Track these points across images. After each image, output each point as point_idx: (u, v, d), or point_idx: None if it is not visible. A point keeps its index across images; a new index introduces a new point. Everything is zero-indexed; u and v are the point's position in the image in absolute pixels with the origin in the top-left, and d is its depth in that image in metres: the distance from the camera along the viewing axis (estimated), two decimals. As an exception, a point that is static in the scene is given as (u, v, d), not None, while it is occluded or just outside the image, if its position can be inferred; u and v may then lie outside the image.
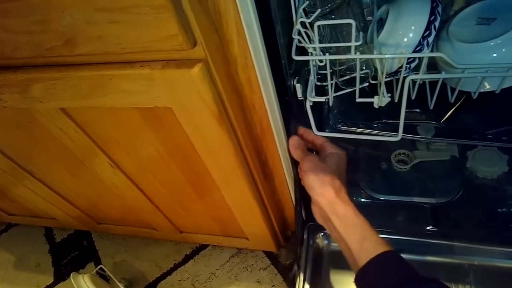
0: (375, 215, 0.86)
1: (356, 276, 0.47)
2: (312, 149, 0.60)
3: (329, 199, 0.51)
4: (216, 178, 0.64)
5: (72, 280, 0.91)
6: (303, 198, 0.76)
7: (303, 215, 0.82)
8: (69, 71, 0.48)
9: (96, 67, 0.47)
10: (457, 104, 0.82)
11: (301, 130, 0.60)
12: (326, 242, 0.83)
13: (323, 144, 0.58)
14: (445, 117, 0.88)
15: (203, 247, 1.06)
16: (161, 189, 0.74)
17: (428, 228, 0.78)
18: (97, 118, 0.57)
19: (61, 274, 1.13)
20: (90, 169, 0.71)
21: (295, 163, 0.60)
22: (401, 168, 0.86)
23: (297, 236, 0.75)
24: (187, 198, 0.76)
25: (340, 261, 0.81)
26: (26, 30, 0.43)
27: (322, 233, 0.82)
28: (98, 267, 1.00)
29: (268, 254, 0.99)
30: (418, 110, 0.89)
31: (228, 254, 1.02)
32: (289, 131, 0.59)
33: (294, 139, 0.58)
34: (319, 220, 0.55)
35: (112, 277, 0.97)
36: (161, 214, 0.85)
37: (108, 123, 0.57)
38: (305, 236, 0.83)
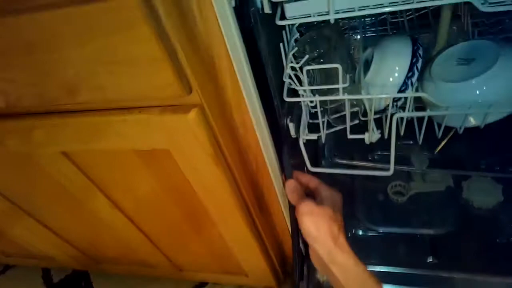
0: (374, 247, 0.86)
1: None
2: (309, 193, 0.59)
3: (327, 248, 0.50)
4: (213, 215, 0.64)
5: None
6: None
7: (303, 250, 0.82)
8: (70, 117, 0.50)
9: (96, 113, 0.49)
10: (448, 136, 0.84)
11: (296, 173, 0.59)
12: (326, 277, 0.82)
13: (317, 187, 0.56)
14: (437, 149, 0.90)
15: (202, 284, 1.04)
16: (159, 227, 0.75)
17: (428, 260, 0.78)
18: (97, 161, 0.59)
19: (58, 317, 1.10)
20: (89, 209, 0.72)
21: (292, 206, 0.59)
22: (398, 200, 0.87)
23: (294, 271, 0.74)
24: (185, 235, 0.76)
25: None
26: (30, 82, 0.46)
27: (322, 268, 0.81)
28: (96, 308, 0.97)
29: (269, 290, 0.98)
30: (411, 142, 0.91)
31: (228, 292, 1.00)
32: (284, 168, 0.59)
33: (290, 183, 0.57)
34: (317, 266, 0.55)
35: (110, 319, 0.95)
36: (159, 252, 0.84)
37: (108, 165, 0.59)
38: (305, 272, 0.82)
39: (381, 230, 0.85)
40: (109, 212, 0.70)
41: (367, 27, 0.74)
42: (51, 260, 1.05)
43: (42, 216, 0.82)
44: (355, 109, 0.60)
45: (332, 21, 0.42)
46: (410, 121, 0.57)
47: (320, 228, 0.50)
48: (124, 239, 0.81)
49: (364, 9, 0.40)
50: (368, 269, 0.50)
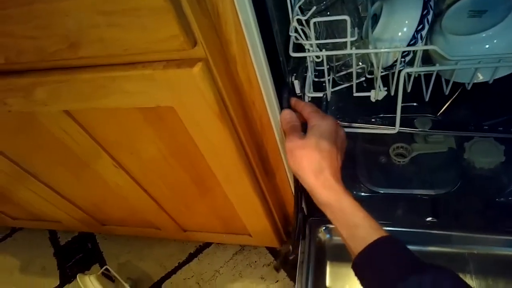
0: (375, 208, 0.87)
1: (353, 263, 0.44)
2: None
3: (309, 184, 0.47)
4: (218, 175, 0.65)
5: (79, 281, 0.92)
6: (304, 191, 0.77)
7: (305, 209, 0.84)
8: (73, 73, 0.49)
9: (99, 69, 0.48)
10: (453, 97, 0.83)
11: (293, 101, 0.55)
12: (328, 236, 0.84)
13: (308, 114, 0.51)
14: (441, 110, 0.89)
15: (206, 245, 1.07)
16: (164, 188, 0.75)
17: (428, 219, 0.79)
18: (100, 119, 0.58)
19: (66, 277, 1.14)
20: (94, 170, 0.72)
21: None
22: (399, 161, 0.88)
23: (293, 232, 0.76)
24: (190, 196, 0.77)
25: (342, 255, 0.82)
26: (29, 35, 0.44)
27: (324, 227, 0.83)
28: (104, 267, 1.01)
29: (271, 250, 1.01)
30: (415, 104, 0.90)
31: (231, 252, 1.03)
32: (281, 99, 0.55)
33: (285, 113, 0.53)
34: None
35: (118, 277, 0.99)
36: (164, 213, 0.86)
37: (111, 124, 0.59)
38: (307, 231, 0.84)
39: (382, 191, 0.86)
40: (114, 173, 0.71)
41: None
42: (58, 222, 1.07)
43: (47, 178, 0.82)
44: (361, 67, 0.59)
45: (342, -32, 0.40)
46: (416, 80, 0.56)
47: (300, 164, 0.47)
48: (129, 200, 0.82)
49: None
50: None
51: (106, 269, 1.02)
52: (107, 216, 0.99)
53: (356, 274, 0.44)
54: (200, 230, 0.95)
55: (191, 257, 1.06)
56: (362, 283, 0.44)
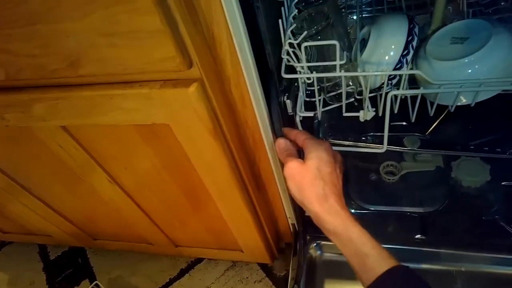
0: (366, 225, 0.89)
1: None
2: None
3: (314, 212, 0.46)
4: (211, 190, 0.66)
5: (68, 297, 0.91)
6: (296, 208, 0.78)
7: (296, 226, 0.85)
8: (71, 91, 0.50)
9: (97, 87, 0.49)
10: (441, 117, 0.86)
11: (285, 130, 0.56)
12: (319, 252, 0.85)
13: (303, 142, 0.51)
14: (429, 130, 0.92)
15: (198, 261, 1.07)
16: (157, 203, 0.76)
17: (417, 236, 0.81)
18: (96, 135, 0.60)
19: (55, 292, 1.12)
20: (88, 184, 0.73)
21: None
22: (389, 179, 0.90)
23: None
24: (182, 211, 0.78)
25: (333, 271, 0.83)
26: (31, 53, 0.46)
27: (315, 244, 0.84)
28: (94, 283, 1.00)
29: (263, 266, 1.01)
30: (404, 123, 0.93)
31: (223, 268, 1.03)
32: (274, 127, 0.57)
33: (280, 142, 0.54)
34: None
35: (107, 293, 0.98)
36: (157, 228, 0.86)
37: (107, 139, 0.60)
38: (298, 247, 0.85)
39: (372, 208, 0.87)
40: (107, 188, 0.72)
41: (364, 6, 0.74)
42: (48, 237, 1.06)
43: (40, 191, 0.83)
44: (351, 88, 0.61)
45: (331, -3, 0.42)
46: (403, 101, 0.59)
47: (303, 191, 0.46)
48: (122, 215, 0.82)
49: (362, -15, 0.40)
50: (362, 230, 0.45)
51: (96, 285, 1.01)
52: (99, 231, 0.99)
53: None
54: (192, 245, 0.95)
55: (182, 273, 1.06)
56: None
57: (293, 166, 0.48)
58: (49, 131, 0.60)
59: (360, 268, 0.43)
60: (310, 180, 0.46)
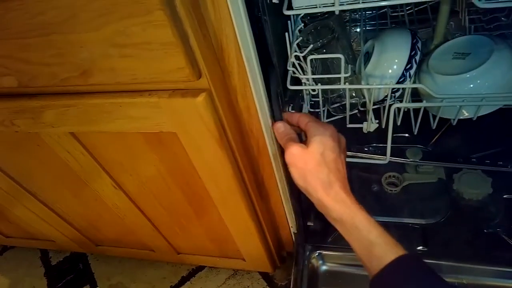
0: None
1: (370, 283, 0.42)
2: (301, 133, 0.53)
3: (319, 199, 0.44)
4: (215, 198, 0.67)
5: (69, 302, 0.91)
6: (298, 217, 0.79)
7: (298, 235, 0.85)
8: (82, 98, 0.52)
9: (107, 95, 0.51)
10: (443, 129, 0.87)
11: (285, 114, 0.53)
12: (320, 262, 0.85)
13: (307, 125, 0.48)
14: (431, 142, 0.93)
15: (199, 269, 1.07)
16: (161, 210, 0.77)
17: (418, 248, 0.81)
18: (104, 142, 0.61)
19: (56, 297, 1.12)
20: (93, 190, 0.74)
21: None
22: (391, 190, 0.90)
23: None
24: (186, 218, 0.78)
25: (335, 281, 0.83)
26: (44, 62, 0.47)
27: (317, 253, 0.85)
28: (95, 289, 1.00)
29: (264, 275, 1.01)
30: (406, 134, 0.94)
31: (224, 276, 1.03)
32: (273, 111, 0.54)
33: (278, 126, 0.51)
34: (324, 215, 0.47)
35: (108, 299, 0.98)
36: (159, 235, 0.87)
37: (114, 146, 0.61)
38: (300, 257, 0.85)
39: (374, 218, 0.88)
40: (112, 193, 0.72)
41: (367, 20, 0.76)
42: (51, 242, 1.07)
43: (45, 196, 0.83)
44: (355, 99, 0.62)
45: (337, 12, 0.44)
46: (406, 114, 0.60)
47: (307, 178, 0.44)
48: (125, 221, 0.83)
49: (368, 2, 0.42)
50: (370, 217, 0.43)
51: (97, 291, 1.01)
52: (101, 236, 0.99)
53: None
54: (194, 253, 0.95)
55: (183, 281, 1.06)
56: None
57: (295, 152, 0.46)
58: (57, 137, 0.61)
59: (366, 257, 0.42)
60: (314, 166, 0.44)
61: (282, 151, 0.52)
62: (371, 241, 0.41)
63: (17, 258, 1.26)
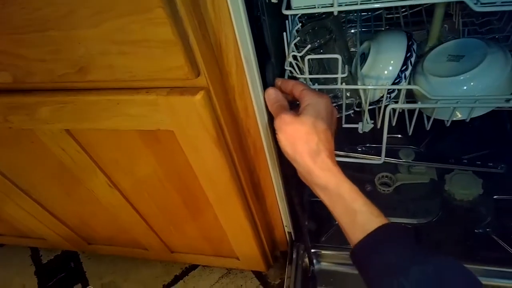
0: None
1: (352, 251, 0.42)
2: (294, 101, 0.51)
3: (306, 167, 0.44)
4: (210, 197, 0.67)
5: (61, 301, 0.90)
6: (293, 216, 0.79)
7: (292, 234, 0.86)
8: (78, 95, 0.51)
9: (104, 92, 0.50)
10: (435, 131, 0.88)
11: (279, 81, 0.52)
12: (314, 261, 0.86)
13: (301, 92, 0.47)
14: (424, 143, 0.94)
15: (192, 267, 1.07)
16: (155, 208, 0.77)
17: (411, 247, 0.82)
18: (100, 139, 0.60)
19: (47, 297, 1.11)
20: (87, 188, 0.73)
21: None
22: (384, 190, 0.91)
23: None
24: (180, 217, 0.78)
25: (328, 280, 0.84)
26: (41, 58, 0.47)
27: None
28: (87, 288, 0.99)
29: (257, 274, 1.01)
30: (399, 135, 0.95)
31: (217, 275, 1.03)
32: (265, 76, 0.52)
33: (270, 92, 0.49)
34: (307, 184, 0.47)
35: (100, 298, 0.97)
36: (153, 233, 0.86)
37: (110, 144, 0.61)
38: (293, 256, 0.85)
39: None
40: (107, 192, 0.72)
41: (362, 21, 0.77)
42: (42, 240, 1.06)
43: (38, 194, 0.83)
44: (350, 100, 0.63)
45: (335, 13, 0.44)
46: (400, 115, 0.61)
47: (296, 145, 0.44)
48: (118, 219, 0.83)
49: (366, 3, 0.42)
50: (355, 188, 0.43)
51: (89, 290, 1.00)
52: (94, 235, 0.98)
53: (354, 263, 0.43)
54: (188, 251, 0.95)
55: (176, 279, 1.05)
56: (361, 273, 0.42)
57: (287, 119, 0.45)
58: (52, 134, 0.60)
59: (349, 225, 0.42)
60: (305, 134, 0.44)
61: (274, 133, 0.50)
62: (355, 210, 0.42)
63: (7, 256, 1.24)
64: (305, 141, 0.43)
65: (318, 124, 0.44)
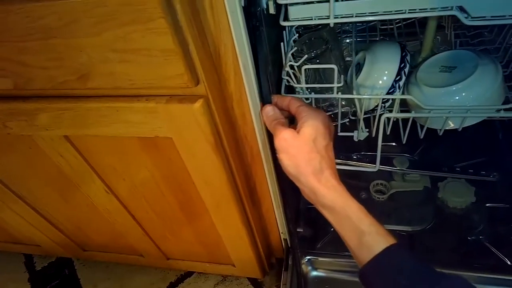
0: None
1: (360, 273, 0.42)
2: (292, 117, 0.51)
3: (310, 187, 0.43)
4: (207, 204, 0.67)
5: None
6: (289, 223, 0.80)
7: (288, 241, 0.86)
8: (78, 102, 0.52)
9: (104, 100, 0.51)
10: (428, 140, 0.90)
11: (275, 97, 0.51)
12: (309, 268, 0.86)
13: (298, 109, 0.47)
14: (417, 151, 0.96)
15: (188, 274, 1.07)
16: (152, 214, 0.77)
17: (405, 254, 0.83)
18: (98, 146, 0.61)
19: (40, 304, 1.10)
20: (84, 194, 0.73)
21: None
22: (379, 198, 0.92)
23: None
24: (177, 223, 0.79)
25: (323, 287, 0.84)
26: (42, 65, 0.47)
27: (306, 259, 0.86)
28: (81, 295, 0.98)
29: (253, 281, 1.01)
30: (394, 144, 0.97)
31: (213, 282, 1.03)
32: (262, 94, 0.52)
33: (268, 110, 0.49)
34: (313, 203, 0.47)
35: (95, 305, 0.96)
36: (149, 240, 0.86)
37: (108, 150, 0.61)
38: (290, 262, 0.86)
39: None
40: (104, 198, 0.72)
41: (357, 32, 0.78)
42: (37, 246, 1.05)
43: (34, 200, 0.82)
44: (346, 108, 0.64)
45: (331, 25, 0.45)
46: (395, 124, 0.62)
47: (299, 166, 0.43)
48: (115, 225, 0.83)
49: (361, 16, 0.44)
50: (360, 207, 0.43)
51: (84, 297, 0.99)
52: (90, 241, 0.98)
53: (362, 284, 0.42)
54: (184, 258, 0.95)
55: (171, 286, 1.05)
56: None
57: (287, 137, 0.44)
58: (50, 140, 0.60)
59: (356, 246, 0.42)
60: (307, 154, 0.43)
61: (270, 140, 0.50)
62: (362, 230, 0.41)
63: (1, 263, 1.23)
64: (307, 161, 0.43)
65: (318, 142, 0.44)
